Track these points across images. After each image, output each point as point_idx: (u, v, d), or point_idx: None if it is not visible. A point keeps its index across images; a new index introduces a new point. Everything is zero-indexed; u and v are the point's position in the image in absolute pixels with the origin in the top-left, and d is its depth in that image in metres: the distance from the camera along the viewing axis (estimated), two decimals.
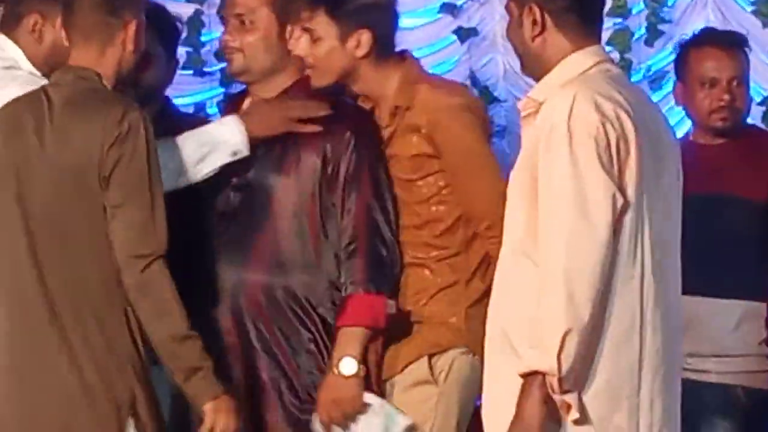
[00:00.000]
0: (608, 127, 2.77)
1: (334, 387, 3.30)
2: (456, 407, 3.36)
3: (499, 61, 5.35)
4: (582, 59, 2.88)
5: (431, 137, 3.35)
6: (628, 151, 2.81)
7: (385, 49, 3.34)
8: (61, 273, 3.17)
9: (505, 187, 3.02)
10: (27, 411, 3.22)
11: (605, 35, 5.28)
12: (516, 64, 5.10)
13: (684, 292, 3.61)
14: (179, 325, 3.14)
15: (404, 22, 5.55)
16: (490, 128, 3.70)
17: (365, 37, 3.24)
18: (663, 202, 2.94)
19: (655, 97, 5.00)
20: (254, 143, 3.48)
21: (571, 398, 2.72)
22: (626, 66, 5.45)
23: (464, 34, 5.48)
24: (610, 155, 2.76)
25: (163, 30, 3.74)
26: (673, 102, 4.55)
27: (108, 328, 2.98)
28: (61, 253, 3.19)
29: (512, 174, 2.93)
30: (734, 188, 4.05)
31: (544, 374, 2.69)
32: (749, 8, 5.46)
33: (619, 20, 5.62)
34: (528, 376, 2.70)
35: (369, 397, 3.22)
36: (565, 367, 2.71)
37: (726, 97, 4.04)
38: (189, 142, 3.35)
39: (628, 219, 2.84)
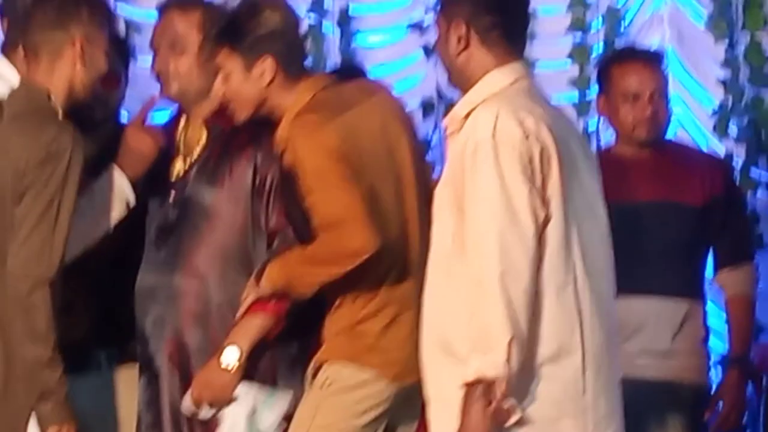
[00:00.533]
0: (531, 141, 2.92)
1: (210, 371, 3.38)
2: (334, 417, 3.39)
3: None
4: (503, 76, 3.02)
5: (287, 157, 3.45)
6: (550, 164, 2.95)
7: (291, 73, 3.41)
8: None
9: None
10: None
11: (566, 49, 5.49)
12: None
13: (631, 293, 3.85)
14: (48, 350, 3.21)
15: (373, 39, 5.59)
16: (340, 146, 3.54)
17: (268, 63, 3.32)
18: (588, 210, 3.11)
19: None
20: (136, 180, 3.60)
21: (513, 403, 2.86)
22: (586, 79, 5.47)
23: (430, 51, 5.43)
24: (533, 169, 2.91)
25: (121, 45, 3.87)
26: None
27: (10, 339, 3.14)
28: None
29: (437, 189, 3.06)
30: (671, 195, 4.18)
31: (489, 381, 2.81)
32: (703, 24, 5.48)
33: (578, 36, 5.53)
34: (472, 385, 2.81)
35: (242, 387, 3.28)
36: (511, 373, 2.85)
37: (649, 110, 4.18)
38: (91, 201, 3.45)
39: (557, 229, 2.98)
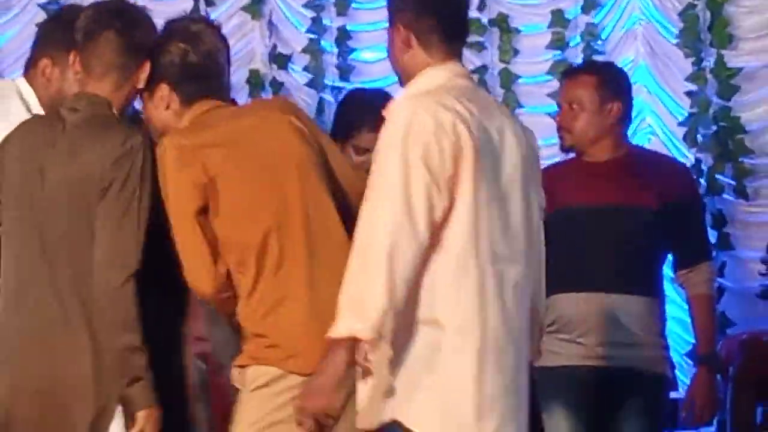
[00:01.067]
0: (442, 136, 2.98)
1: None
2: (258, 414, 3.38)
3: None
4: (436, 74, 3.09)
5: None
6: (463, 156, 2.99)
7: (186, 97, 3.47)
8: (68, 274, 3.28)
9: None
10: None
11: (546, 66, 5.81)
12: None
13: (596, 289, 4.08)
14: (138, 337, 3.31)
15: (366, 55, 5.80)
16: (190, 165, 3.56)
17: (164, 90, 3.44)
18: (502, 200, 3.14)
19: None
20: None
21: (373, 368, 2.96)
22: None
23: None
24: (443, 160, 2.96)
25: None
26: None
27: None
28: (68, 259, 3.34)
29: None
30: (628, 199, 4.28)
31: (357, 342, 2.89)
32: (674, 41, 5.76)
33: (558, 52, 5.82)
34: (340, 340, 2.90)
35: None
36: (379, 342, 2.93)
37: (559, 119, 4.41)
38: None
39: (465, 216, 3.01)
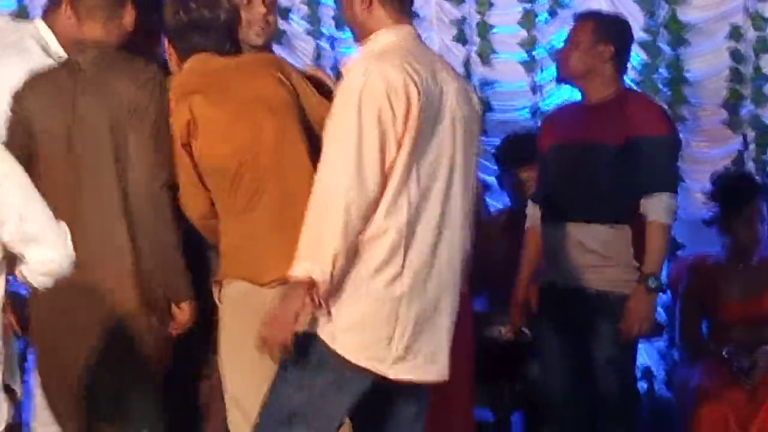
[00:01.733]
0: (392, 95, 3.29)
1: None
2: (231, 328, 3.76)
3: (434, 37, 5.86)
4: (389, 36, 3.44)
5: None
6: (411, 112, 3.32)
7: (182, 53, 3.89)
8: (115, 197, 3.70)
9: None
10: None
11: (515, 18, 5.99)
12: (447, 38, 5.75)
13: (567, 219, 4.57)
14: (177, 236, 3.69)
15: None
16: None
17: (168, 45, 3.88)
18: (437, 147, 3.52)
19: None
20: None
21: (327, 306, 3.34)
22: (532, 41, 6.04)
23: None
24: (394, 116, 3.30)
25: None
26: None
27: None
28: (115, 183, 3.72)
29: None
30: (595, 136, 4.61)
31: (312, 282, 3.25)
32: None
33: (528, 5, 6.04)
34: (298, 282, 3.25)
35: None
36: (334, 281, 3.30)
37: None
38: None
39: (401, 163, 3.36)
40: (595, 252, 4.58)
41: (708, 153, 5.98)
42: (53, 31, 4.11)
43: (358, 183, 3.31)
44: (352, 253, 3.35)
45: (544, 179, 5.06)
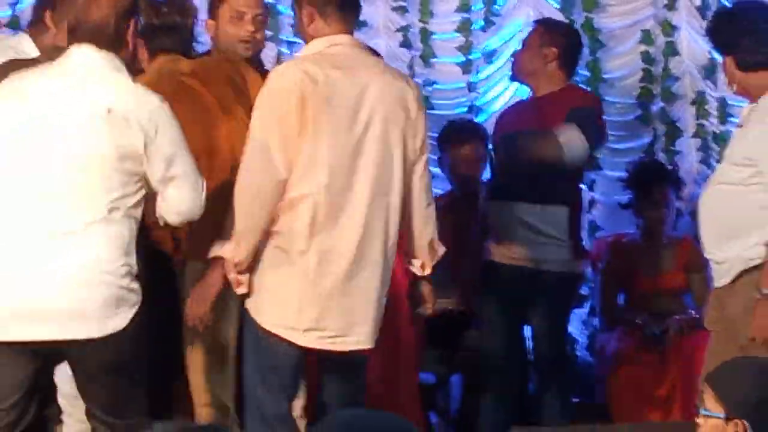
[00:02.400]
0: (291, 97, 3.57)
1: None
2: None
3: (381, 44, 5.84)
4: (314, 44, 3.75)
5: None
6: (307, 109, 3.59)
7: (150, 53, 4.05)
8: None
9: None
10: None
11: (453, 26, 6.05)
12: (394, 44, 5.80)
13: (512, 199, 4.74)
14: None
15: None
16: None
17: (142, 47, 3.91)
18: (349, 145, 3.73)
19: (490, 69, 6.08)
20: None
21: (245, 279, 3.65)
22: (468, 46, 6.15)
23: (358, 24, 5.44)
24: (293, 112, 3.57)
25: None
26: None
27: None
28: None
29: None
30: (540, 124, 4.81)
31: (226, 260, 3.62)
32: (557, 6, 6.08)
33: (465, 14, 6.15)
34: (215, 259, 3.64)
35: None
36: (241, 256, 3.61)
37: (513, 55, 5.20)
38: None
39: (305, 155, 3.61)
40: (535, 230, 4.79)
41: (623, 145, 6.18)
42: (36, 44, 4.21)
43: (265, 172, 3.61)
44: (261, 233, 3.63)
45: (495, 166, 5.38)
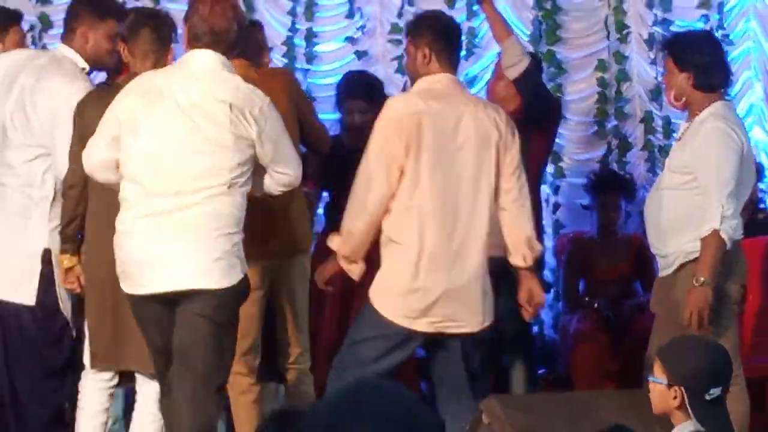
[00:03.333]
0: (404, 121, 3.81)
1: None
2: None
3: (380, 70, 6.06)
4: (423, 82, 3.95)
5: None
6: (413, 138, 3.79)
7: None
8: None
9: None
10: None
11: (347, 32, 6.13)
12: (389, 72, 5.91)
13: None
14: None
15: (322, 48, 6.17)
16: None
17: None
18: (449, 163, 3.93)
19: (471, 92, 5.65)
20: None
21: (354, 267, 3.90)
22: (363, 52, 6.23)
23: (360, 54, 6.33)
24: (402, 141, 3.78)
25: None
26: None
27: None
28: None
29: None
30: None
31: (338, 253, 3.89)
32: (526, 38, 6.10)
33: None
34: (336, 251, 3.88)
35: None
36: (347, 251, 3.87)
37: None
38: None
39: (412, 170, 3.79)
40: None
41: (583, 156, 6.47)
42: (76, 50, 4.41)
43: (374, 186, 3.85)
44: (365, 236, 3.90)
45: None
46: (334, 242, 3.96)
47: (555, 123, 5.27)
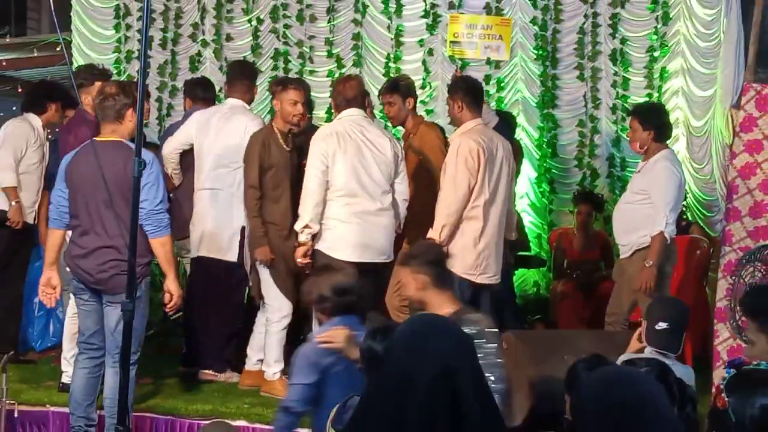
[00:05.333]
0: (473, 153, 4.11)
1: None
2: None
3: (442, 121, 5.85)
4: (470, 124, 4.33)
5: None
6: (480, 162, 4.12)
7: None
8: None
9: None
10: None
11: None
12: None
13: None
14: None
15: None
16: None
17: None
18: (495, 181, 4.26)
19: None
20: None
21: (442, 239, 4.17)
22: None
23: (428, 112, 6.62)
24: (475, 164, 4.11)
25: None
26: None
27: None
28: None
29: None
30: None
31: (435, 232, 4.15)
32: (535, 104, 6.71)
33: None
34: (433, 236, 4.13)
35: None
36: (444, 237, 4.15)
37: None
38: None
39: (476, 187, 4.16)
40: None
41: (567, 180, 6.92)
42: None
43: (456, 195, 4.21)
44: (451, 230, 4.25)
45: None
46: (432, 233, 4.23)
47: (517, 160, 5.29)
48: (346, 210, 4.27)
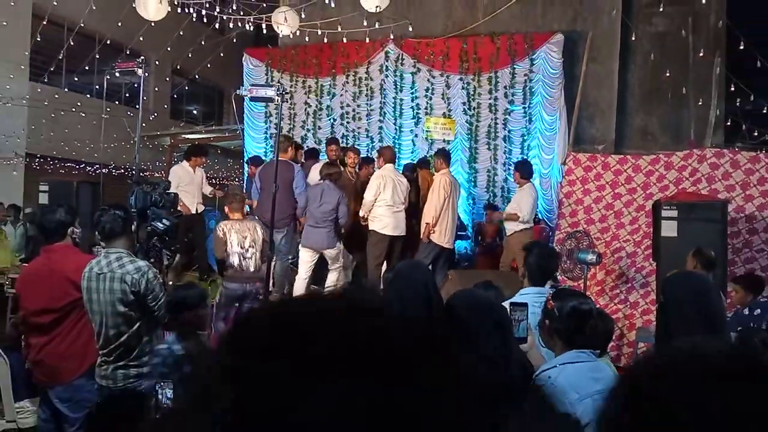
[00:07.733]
0: (445, 184, 6.59)
1: None
2: None
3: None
4: (443, 171, 6.70)
5: None
6: (446, 189, 6.56)
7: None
8: None
9: None
10: None
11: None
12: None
13: None
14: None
15: None
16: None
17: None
18: (452, 199, 6.49)
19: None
20: None
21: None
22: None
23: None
24: (447, 189, 6.55)
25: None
26: None
27: None
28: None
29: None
30: None
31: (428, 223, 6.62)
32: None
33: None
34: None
35: None
36: (431, 225, 6.66)
37: None
38: None
39: (445, 201, 6.59)
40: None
41: (482, 198, 9.23)
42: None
43: (437, 205, 6.14)
44: (436, 220, 6.05)
45: None
46: (425, 219, 5.51)
47: (458, 189, 6.38)
48: (387, 210, 6.65)
